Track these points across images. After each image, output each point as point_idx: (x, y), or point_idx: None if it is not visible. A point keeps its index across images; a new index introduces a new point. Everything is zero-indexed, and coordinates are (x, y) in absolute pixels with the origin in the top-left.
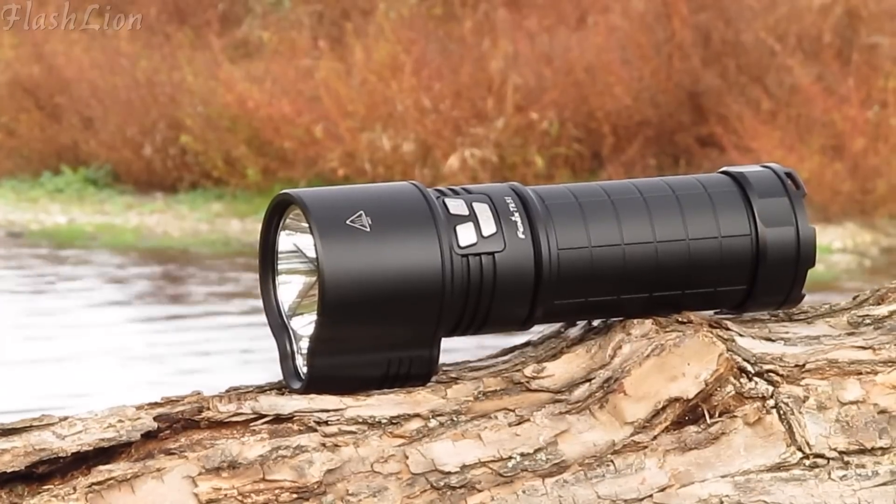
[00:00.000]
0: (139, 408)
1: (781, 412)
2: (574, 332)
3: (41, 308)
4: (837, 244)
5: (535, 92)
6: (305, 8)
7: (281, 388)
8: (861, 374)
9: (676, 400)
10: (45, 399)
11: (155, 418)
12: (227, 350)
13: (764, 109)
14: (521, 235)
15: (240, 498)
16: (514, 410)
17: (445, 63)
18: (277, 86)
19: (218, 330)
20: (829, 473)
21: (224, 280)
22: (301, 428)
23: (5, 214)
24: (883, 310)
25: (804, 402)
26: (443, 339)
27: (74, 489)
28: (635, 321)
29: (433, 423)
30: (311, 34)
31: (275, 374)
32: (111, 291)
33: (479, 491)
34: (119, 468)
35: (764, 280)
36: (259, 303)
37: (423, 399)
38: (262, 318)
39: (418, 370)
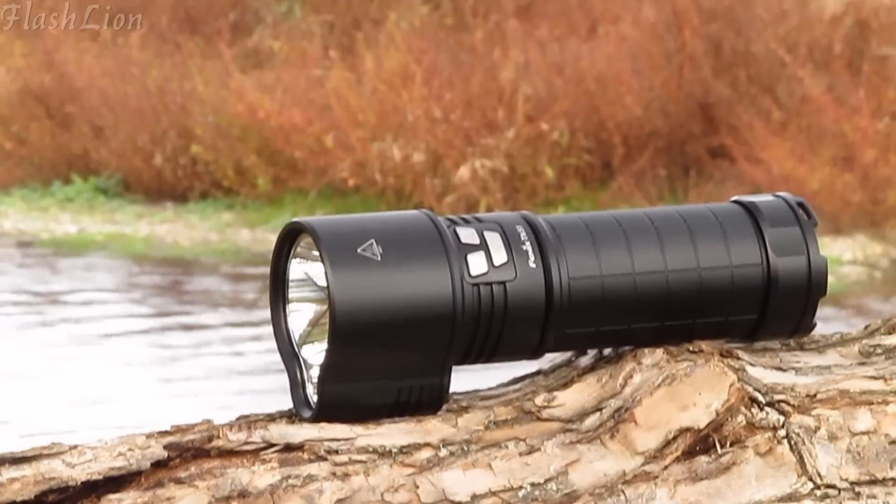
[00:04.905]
0: (149, 436)
1: (792, 442)
2: (585, 360)
3: (50, 318)
4: (848, 255)
5: (546, 102)
6: (316, 17)
7: (291, 417)
8: (872, 403)
9: (687, 430)
10: (51, 410)
11: (165, 447)
12: (237, 361)
13: (774, 120)
14: (532, 264)
15: None
16: (524, 440)
17: (456, 73)
18: (288, 95)
19: (228, 342)
20: None
21: (234, 290)
22: (311, 457)
23: (15, 223)
24: (894, 339)
25: (815, 432)
26: (453, 368)
27: None
28: (646, 350)
29: (444, 452)
30: (321, 43)
31: (281, 384)
32: (121, 301)
33: None
34: (129, 497)
35: (775, 309)
36: (267, 313)
37: (433, 428)
38: (270, 327)
39: (429, 399)
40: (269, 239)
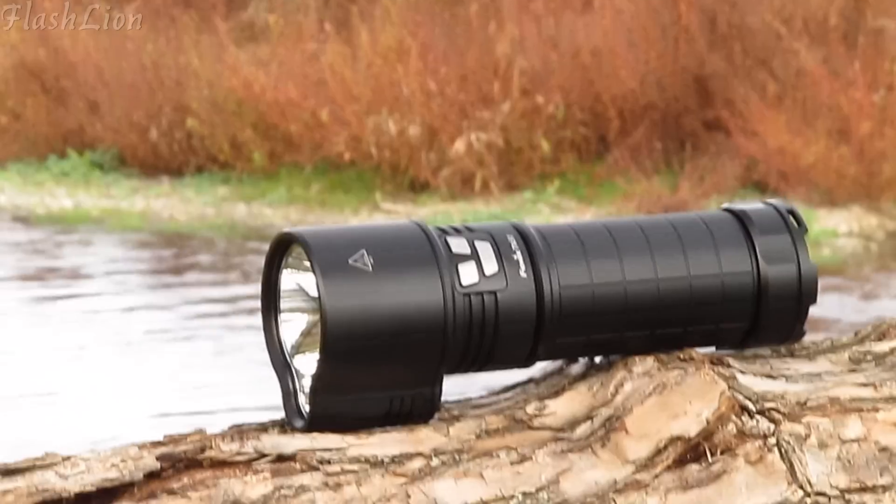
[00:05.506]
0: (142, 447)
1: (783, 450)
2: (576, 368)
3: (46, 294)
4: (843, 228)
5: (542, 76)
6: None
7: (283, 427)
8: (862, 411)
9: (678, 438)
10: (47, 387)
11: (157, 458)
12: (232, 336)
13: (770, 93)
14: (522, 274)
15: None
16: (516, 449)
17: (451, 47)
18: (283, 70)
19: (223, 315)
20: None
21: (229, 264)
22: (304, 467)
23: (11, 198)
24: (884, 346)
25: (805, 440)
26: (445, 377)
27: None
28: (637, 358)
29: (435, 461)
30: (317, 18)
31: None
32: (117, 275)
33: None
34: None
35: (766, 317)
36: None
37: (425, 437)
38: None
39: (420, 408)
40: (264, 213)
